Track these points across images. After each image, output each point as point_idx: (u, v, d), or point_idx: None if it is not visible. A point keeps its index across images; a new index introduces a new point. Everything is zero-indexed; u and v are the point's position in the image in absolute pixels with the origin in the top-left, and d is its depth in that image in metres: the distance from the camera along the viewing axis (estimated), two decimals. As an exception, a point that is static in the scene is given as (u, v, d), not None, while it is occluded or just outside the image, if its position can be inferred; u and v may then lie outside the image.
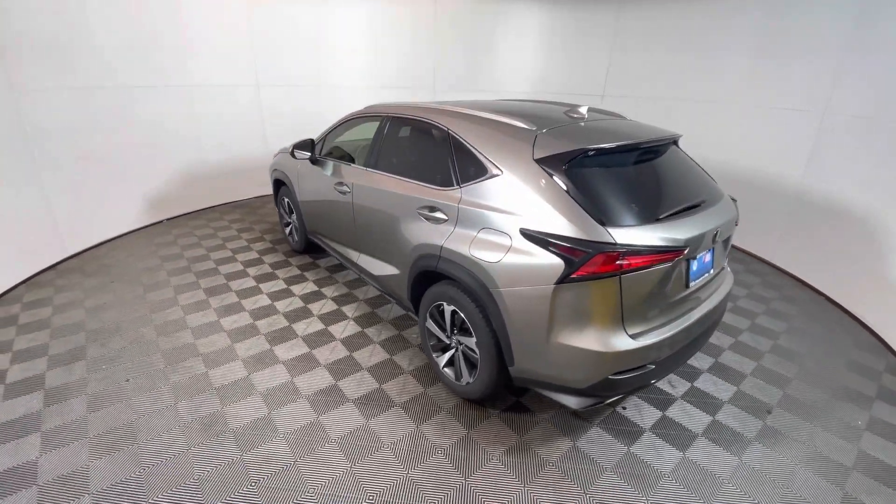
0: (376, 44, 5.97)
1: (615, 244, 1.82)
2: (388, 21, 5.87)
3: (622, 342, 1.92)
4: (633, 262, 1.84)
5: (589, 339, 1.91)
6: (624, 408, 2.53)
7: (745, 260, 4.64)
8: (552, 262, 1.90)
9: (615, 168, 2.11)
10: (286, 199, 4.31)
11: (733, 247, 4.86)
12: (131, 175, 4.73)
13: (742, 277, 4.22)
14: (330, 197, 3.43)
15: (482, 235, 2.16)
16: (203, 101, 5.21)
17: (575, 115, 2.46)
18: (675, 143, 2.53)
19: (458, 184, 2.36)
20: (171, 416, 2.37)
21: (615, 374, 1.95)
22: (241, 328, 3.16)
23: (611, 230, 1.85)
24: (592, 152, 2.04)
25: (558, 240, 1.89)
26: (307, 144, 3.61)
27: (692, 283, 2.15)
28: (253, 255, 4.38)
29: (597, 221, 1.87)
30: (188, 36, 4.90)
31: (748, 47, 4.45)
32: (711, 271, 2.31)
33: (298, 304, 3.50)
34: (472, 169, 2.30)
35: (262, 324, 3.22)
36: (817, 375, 2.88)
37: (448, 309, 2.42)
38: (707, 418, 2.48)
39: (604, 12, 5.62)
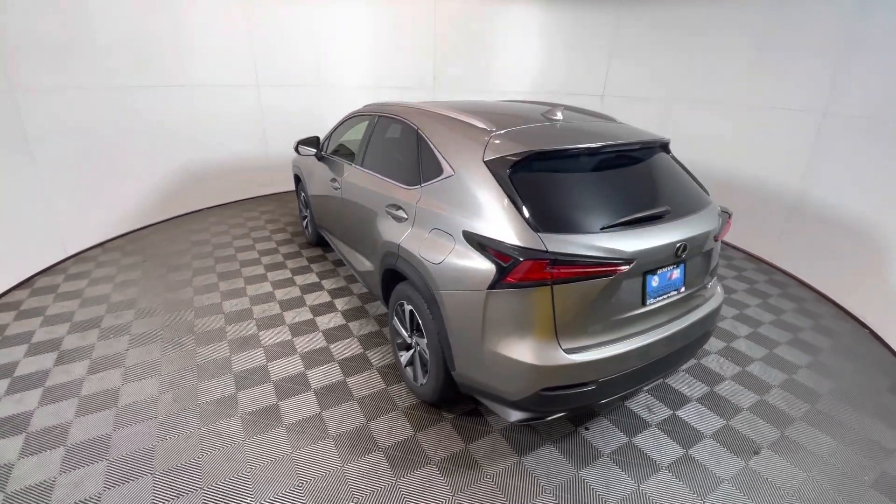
0: (376, 44, 6.01)
1: (545, 252, 1.72)
2: (389, 21, 5.90)
3: (554, 356, 1.80)
4: (564, 272, 1.73)
5: (520, 350, 1.82)
6: (587, 428, 2.38)
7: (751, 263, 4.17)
8: (486, 266, 1.84)
9: (567, 172, 1.99)
10: (302, 194, 4.53)
11: (754, 258, 4.40)
12: (130, 174, 4.74)
13: (734, 283, 3.79)
14: (327, 193, 3.56)
15: (431, 236, 2.14)
16: (203, 101, 5.27)
17: (551, 117, 2.35)
18: (662, 147, 2.34)
19: (420, 183, 2.35)
20: (152, 385, 2.59)
21: (547, 389, 1.84)
22: (238, 312, 3.36)
23: (544, 237, 1.76)
24: (543, 155, 1.94)
25: (491, 244, 1.83)
26: (312, 141, 3.76)
27: (650, 301, 1.98)
28: (271, 244, 4.64)
29: (531, 227, 1.78)
30: (189, 36, 4.97)
31: (748, 47, 4.47)
32: (682, 289, 2.10)
33: (296, 293, 3.66)
34: (432, 168, 2.29)
35: (258, 309, 3.40)
36: (831, 417, 2.52)
37: (407, 308, 2.42)
38: (678, 451, 2.26)
39: (604, 12, 5.51)
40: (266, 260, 4.27)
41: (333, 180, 3.38)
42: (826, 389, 2.76)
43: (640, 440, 2.32)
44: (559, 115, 2.36)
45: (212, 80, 5.31)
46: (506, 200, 1.86)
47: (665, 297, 2.04)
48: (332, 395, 2.56)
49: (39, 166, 3.84)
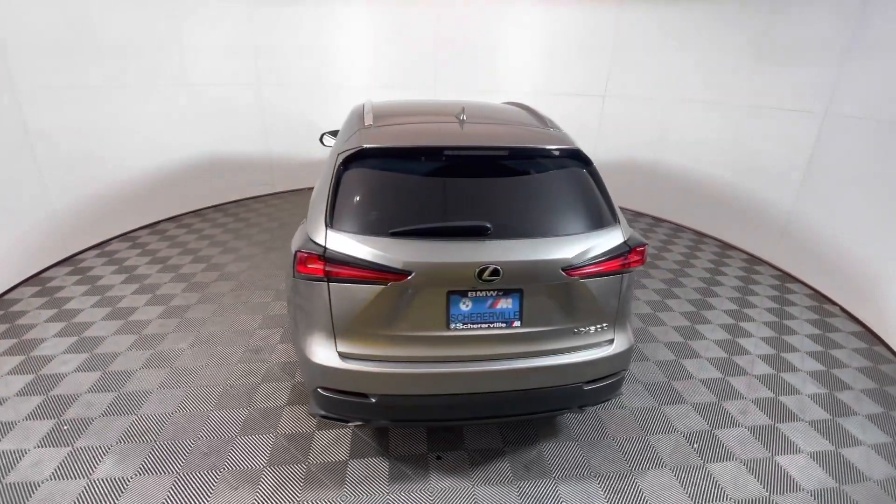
0: (377, 43, 6.05)
1: (318, 246, 1.74)
2: (389, 21, 5.95)
3: (328, 356, 1.80)
4: (336, 270, 1.72)
5: (306, 341, 1.86)
6: (439, 457, 2.27)
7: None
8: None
9: (396, 172, 1.87)
10: None
11: (779, 272, 4.46)
12: (131, 174, 4.77)
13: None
14: None
15: (302, 226, 2.11)
16: (204, 101, 5.30)
17: (459, 117, 2.26)
18: (572, 158, 1.99)
19: None
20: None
21: (324, 389, 1.85)
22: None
23: (333, 233, 1.75)
24: (370, 152, 1.87)
25: (299, 233, 1.91)
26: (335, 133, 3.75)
27: (456, 326, 1.80)
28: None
29: (327, 221, 1.79)
30: (189, 36, 4.98)
31: (749, 47, 4.45)
32: (517, 324, 1.83)
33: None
34: None
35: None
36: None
37: None
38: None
39: (604, 12, 5.52)
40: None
41: None
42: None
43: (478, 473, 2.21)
44: (463, 116, 2.24)
45: (212, 80, 5.34)
46: (326, 193, 1.86)
47: (483, 326, 1.81)
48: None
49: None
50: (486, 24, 5.91)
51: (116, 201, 4.67)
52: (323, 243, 1.76)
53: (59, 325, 3.23)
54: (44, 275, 3.93)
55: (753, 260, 4.68)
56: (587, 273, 1.82)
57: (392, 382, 1.82)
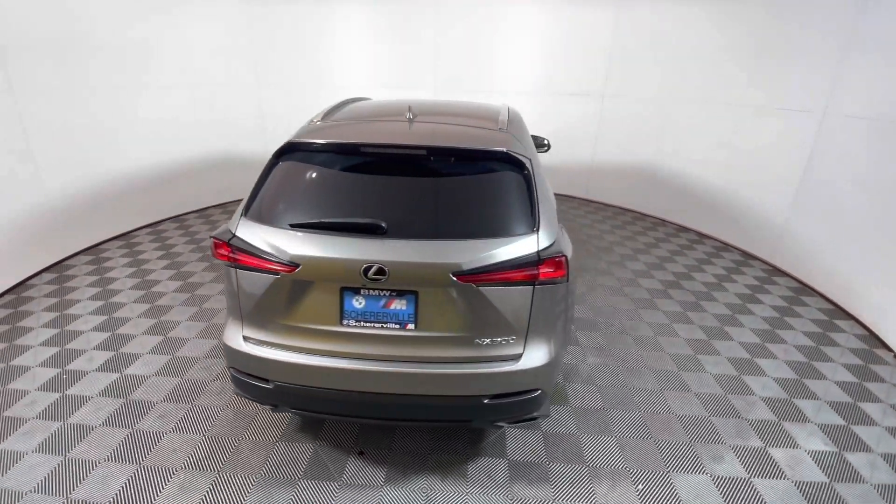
0: (377, 43, 6.05)
1: (232, 235, 1.83)
2: (389, 20, 5.96)
3: (235, 339, 1.90)
4: (237, 257, 1.80)
5: (226, 322, 1.99)
6: (361, 453, 2.26)
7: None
8: None
9: (320, 168, 1.90)
10: None
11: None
12: (131, 174, 4.77)
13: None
14: None
15: None
16: (204, 101, 5.31)
17: (408, 115, 2.26)
18: (501, 160, 1.87)
19: None
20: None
21: (233, 369, 1.95)
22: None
23: (243, 221, 1.85)
24: (297, 146, 1.93)
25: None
26: None
27: (348, 322, 1.80)
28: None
29: (244, 211, 1.88)
30: (189, 35, 5.00)
31: (748, 47, 4.47)
32: (411, 327, 1.79)
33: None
34: None
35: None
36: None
37: None
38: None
39: (604, 12, 5.47)
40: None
41: None
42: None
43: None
44: (409, 115, 2.24)
45: (212, 80, 5.36)
46: (255, 186, 1.93)
47: (376, 325, 1.79)
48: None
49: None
50: (486, 24, 5.88)
51: (116, 201, 4.65)
52: (233, 231, 1.85)
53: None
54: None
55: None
56: (483, 280, 1.72)
57: (287, 371, 1.85)
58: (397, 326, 1.79)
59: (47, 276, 3.93)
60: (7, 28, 3.55)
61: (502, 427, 2.37)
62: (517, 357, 1.83)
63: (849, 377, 2.90)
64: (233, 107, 5.67)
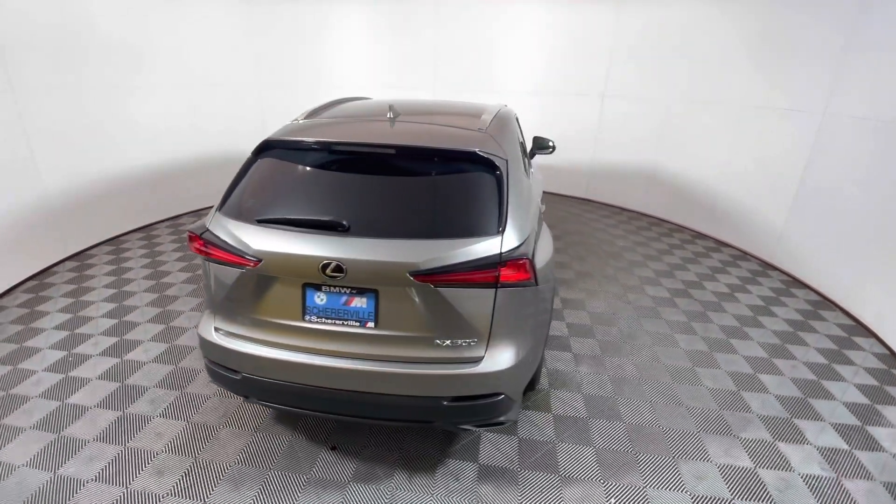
0: (376, 43, 6.05)
1: (205, 228, 1.89)
2: (389, 20, 5.94)
3: (208, 330, 1.98)
4: (207, 251, 1.87)
5: (203, 312, 2.06)
6: (334, 448, 2.29)
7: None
8: None
9: (294, 165, 1.95)
10: None
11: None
12: (130, 175, 4.78)
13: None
14: None
15: None
16: (203, 101, 5.32)
17: (389, 115, 2.26)
18: (472, 160, 1.86)
19: None
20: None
21: (206, 358, 2.02)
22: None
23: (217, 215, 1.92)
24: (274, 144, 1.99)
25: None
26: None
27: (310, 318, 1.82)
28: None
29: (218, 206, 1.95)
30: (189, 35, 5.02)
31: (748, 47, 4.45)
32: (371, 325, 1.78)
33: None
34: None
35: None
36: None
37: None
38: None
39: (604, 12, 5.40)
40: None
41: None
42: None
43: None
44: (390, 114, 2.25)
45: (212, 80, 5.36)
46: (232, 181, 2.00)
47: (337, 322, 1.80)
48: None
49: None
50: (486, 24, 5.85)
51: (115, 200, 4.68)
52: (206, 225, 1.92)
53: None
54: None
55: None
56: (442, 281, 1.70)
57: (252, 363, 1.89)
58: (358, 324, 1.80)
59: (70, 265, 4.17)
60: (7, 28, 3.57)
61: (472, 431, 2.33)
62: (478, 360, 1.80)
63: (861, 398, 2.71)
64: (234, 106, 5.71)
